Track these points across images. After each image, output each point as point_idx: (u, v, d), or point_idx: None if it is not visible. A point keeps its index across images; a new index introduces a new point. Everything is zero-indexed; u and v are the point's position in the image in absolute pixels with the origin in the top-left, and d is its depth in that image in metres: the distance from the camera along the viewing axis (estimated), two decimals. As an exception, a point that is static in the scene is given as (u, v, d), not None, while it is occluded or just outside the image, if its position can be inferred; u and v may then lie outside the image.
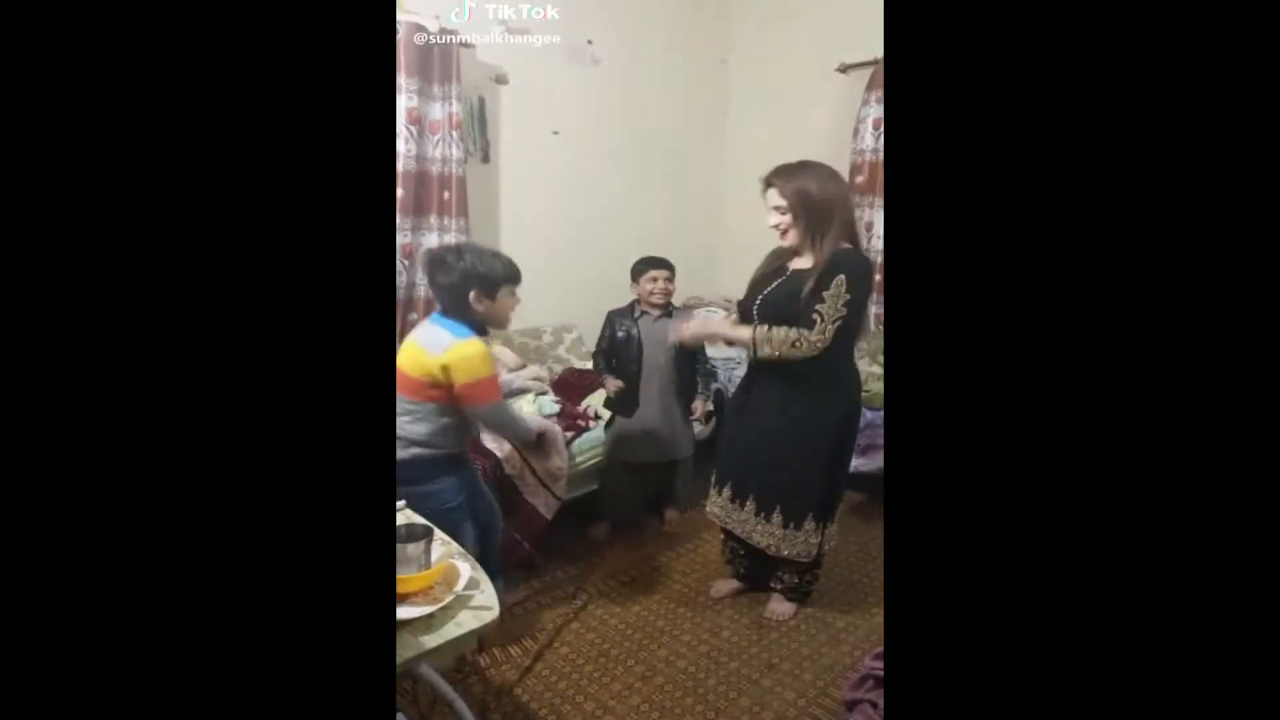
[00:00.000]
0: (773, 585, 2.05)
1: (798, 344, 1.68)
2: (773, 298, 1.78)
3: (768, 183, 1.75)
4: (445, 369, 1.51)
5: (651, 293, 2.34)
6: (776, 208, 1.73)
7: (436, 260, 1.59)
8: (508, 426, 1.72)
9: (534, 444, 1.91)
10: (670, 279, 2.35)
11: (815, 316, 1.66)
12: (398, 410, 1.55)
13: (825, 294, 1.66)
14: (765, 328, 1.73)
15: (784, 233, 1.75)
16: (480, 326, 1.60)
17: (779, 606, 2.04)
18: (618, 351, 2.40)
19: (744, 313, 1.87)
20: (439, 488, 1.60)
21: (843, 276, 1.65)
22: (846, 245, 1.72)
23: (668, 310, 2.39)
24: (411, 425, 1.57)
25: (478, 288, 1.56)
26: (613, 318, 2.43)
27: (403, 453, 1.56)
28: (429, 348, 1.54)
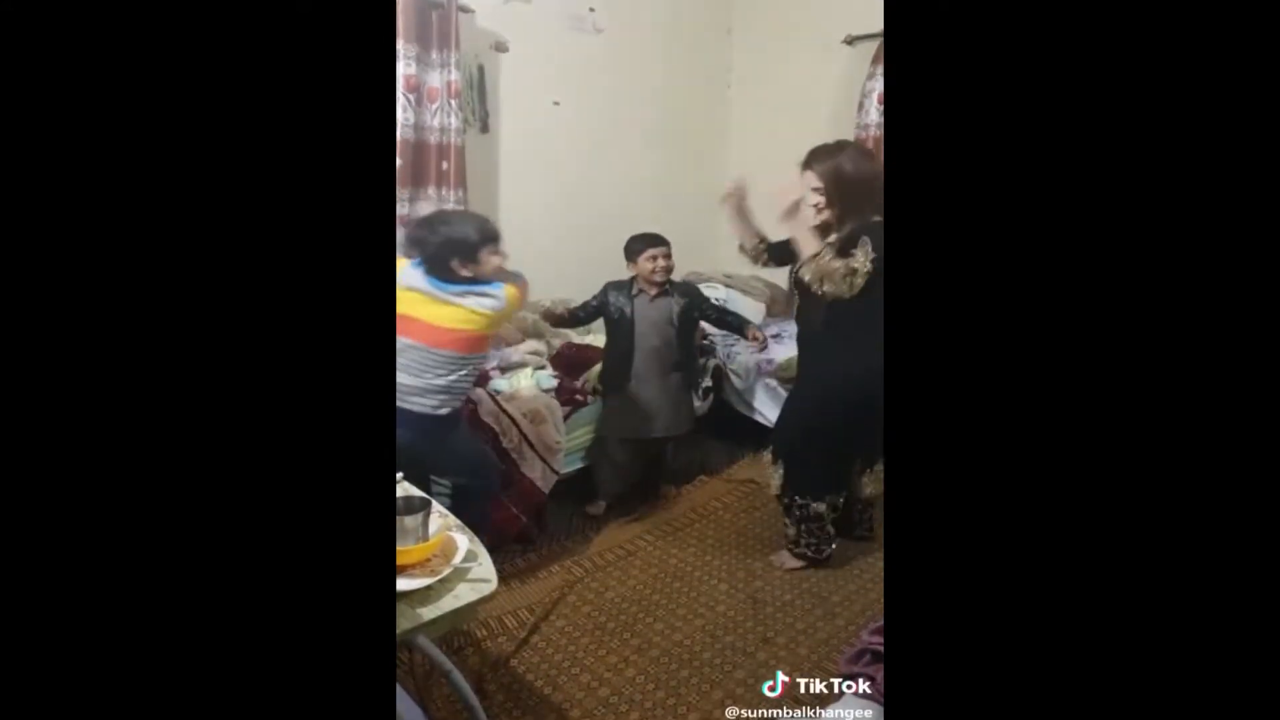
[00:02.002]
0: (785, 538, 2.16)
1: (832, 277, 1.71)
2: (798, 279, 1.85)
3: (805, 164, 1.80)
4: (508, 308, 1.67)
5: (653, 271, 2.30)
6: (815, 189, 1.78)
7: (414, 238, 1.66)
8: None
9: None
10: (668, 255, 2.31)
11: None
12: (448, 367, 1.67)
13: (854, 250, 1.70)
14: (824, 255, 1.74)
15: (819, 212, 1.80)
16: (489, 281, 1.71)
17: (783, 556, 2.14)
18: (609, 328, 2.38)
19: (790, 279, 2.03)
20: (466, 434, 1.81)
21: (867, 238, 1.70)
22: (876, 219, 1.75)
23: (666, 288, 2.35)
24: (443, 377, 1.67)
25: (458, 255, 1.63)
26: (609, 290, 2.40)
27: (441, 405, 1.70)
28: (480, 305, 1.64)
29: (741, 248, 2.13)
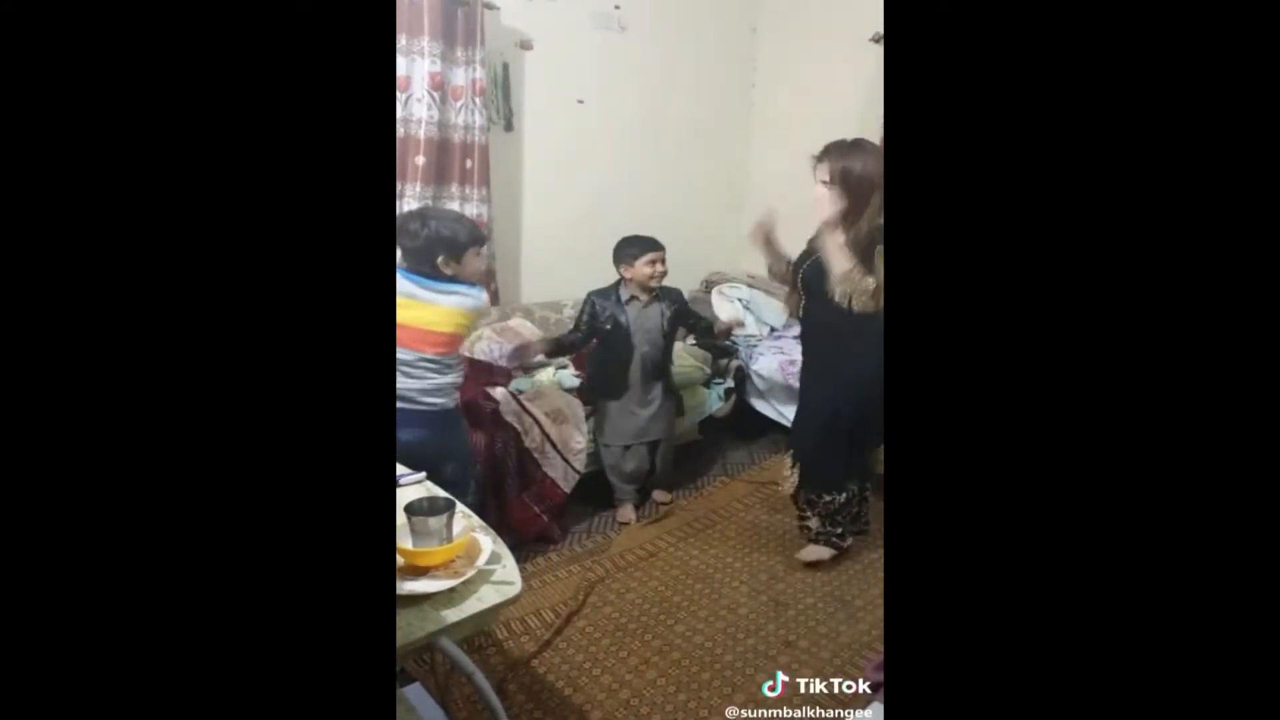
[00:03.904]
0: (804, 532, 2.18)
1: (860, 295, 1.75)
2: (809, 273, 1.87)
3: (819, 158, 1.81)
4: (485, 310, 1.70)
5: (652, 276, 2.20)
6: (823, 182, 1.80)
7: (400, 227, 1.66)
8: None
9: None
10: (663, 259, 2.22)
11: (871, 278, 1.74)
12: (432, 367, 1.70)
13: (876, 263, 1.71)
14: (855, 273, 1.76)
15: (828, 207, 1.80)
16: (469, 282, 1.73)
17: (813, 548, 2.13)
18: (605, 341, 2.27)
19: (794, 277, 1.98)
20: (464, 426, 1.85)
21: (882, 247, 1.69)
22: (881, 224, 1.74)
23: (657, 295, 2.27)
24: (442, 377, 1.71)
25: (445, 252, 1.66)
26: (594, 301, 2.26)
27: (448, 400, 1.75)
28: (463, 305, 1.67)
29: (770, 270, 2.10)
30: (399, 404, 1.67)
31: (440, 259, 1.65)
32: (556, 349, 2.34)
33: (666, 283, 2.30)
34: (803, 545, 2.17)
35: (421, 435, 1.67)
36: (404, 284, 1.65)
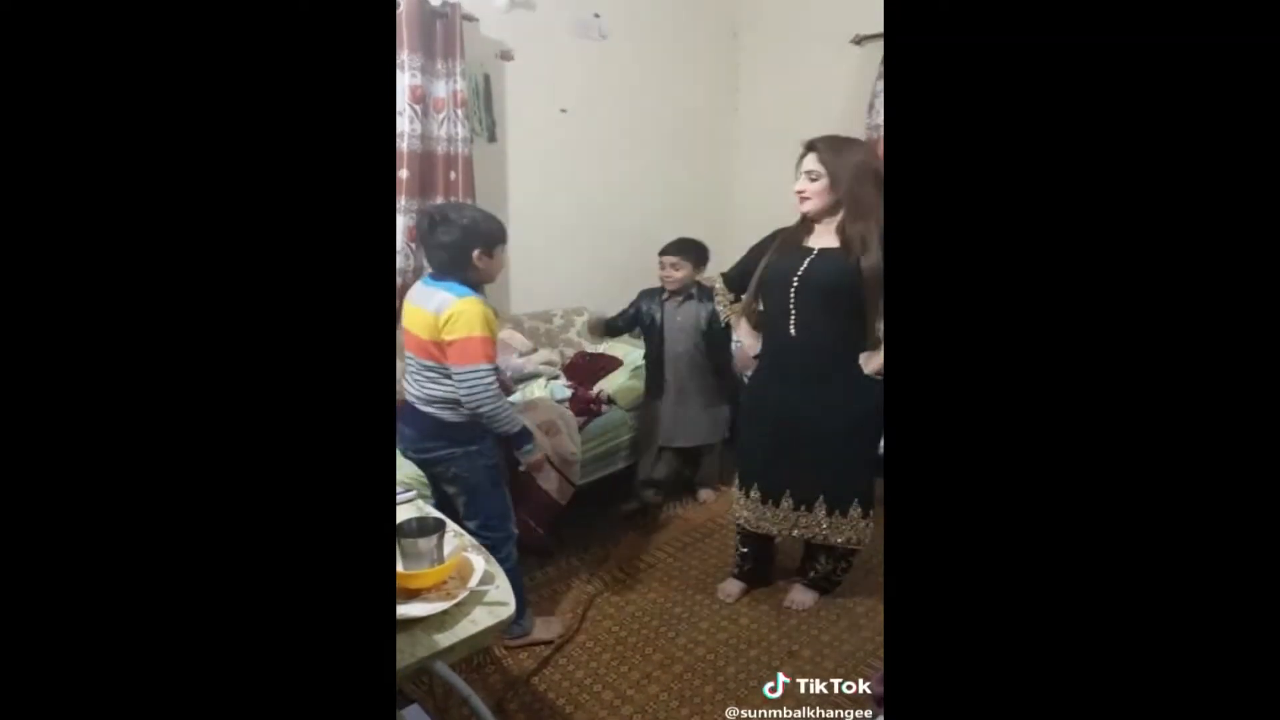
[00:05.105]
0: (802, 576, 2.02)
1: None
2: (813, 280, 1.65)
3: (810, 146, 1.64)
4: (446, 323, 1.50)
5: (662, 279, 2.33)
6: (809, 173, 1.62)
7: (437, 217, 1.54)
8: (493, 403, 1.54)
9: (519, 438, 1.66)
10: (679, 264, 2.30)
11: None
12: (416, 372, 1.61)
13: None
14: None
15: (805, 201, 1.65)
16: (476, 287, 1.58)
17: (800, 595, 2.00)
18: (644, 333, 2.39)
19: (773, 300, 1.75)
20: (481, 446, 1.64)
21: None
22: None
23: (688, 294, 2.34)
24: (438, 387, 1.58)
25: (482, 245, 1.56)
26: (641, 297, 2.42)
27: (446, 413, 1.59)
28: (434, 310, 1.52)
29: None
30: (407, 398, 1.67)
31: (476, 252, 1.55)
32: (606, 329, 2.49)
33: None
34: (789, 587, 2.04)
35: (414, 435, 1.65)
36: (418, 287, 1.61)
